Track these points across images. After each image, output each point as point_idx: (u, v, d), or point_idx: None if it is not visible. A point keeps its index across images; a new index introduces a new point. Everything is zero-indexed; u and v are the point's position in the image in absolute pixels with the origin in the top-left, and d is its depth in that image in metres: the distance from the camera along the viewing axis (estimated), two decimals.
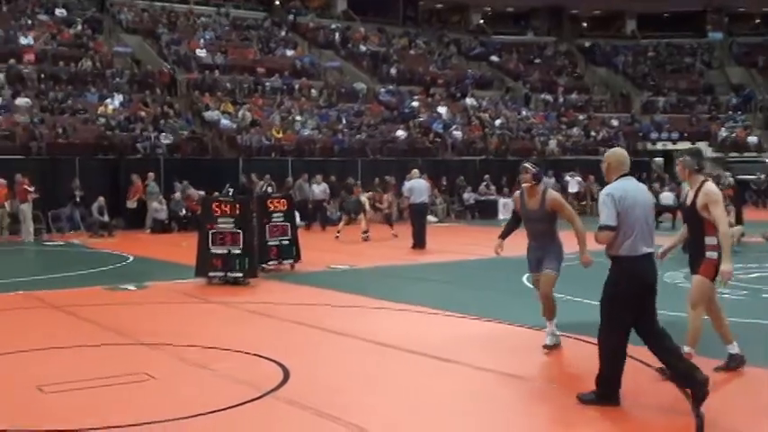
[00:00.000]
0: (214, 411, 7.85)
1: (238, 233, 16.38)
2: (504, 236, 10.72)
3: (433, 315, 12.90)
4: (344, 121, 40.74)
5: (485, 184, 38.54)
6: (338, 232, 26.66)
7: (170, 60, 41.99)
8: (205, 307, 14.38)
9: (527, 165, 10.19)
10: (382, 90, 45.28)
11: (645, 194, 8.11)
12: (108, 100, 36.69)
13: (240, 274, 16.40)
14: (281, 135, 37.44)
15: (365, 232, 26.24)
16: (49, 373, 9.26)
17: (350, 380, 9.08)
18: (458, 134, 42.32)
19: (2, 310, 13.94)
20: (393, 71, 47.89)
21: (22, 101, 34.83)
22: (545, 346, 10.24)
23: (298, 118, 39.51)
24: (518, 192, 10.57)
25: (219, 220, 16.54)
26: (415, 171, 25.23)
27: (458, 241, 25.38)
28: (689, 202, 8.89)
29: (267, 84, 42.50)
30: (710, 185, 8.78)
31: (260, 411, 8.00)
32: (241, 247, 16.33)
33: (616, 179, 7.95)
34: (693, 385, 7.60)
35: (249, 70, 43.40)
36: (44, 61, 38.87)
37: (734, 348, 9.08)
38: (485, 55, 54.93)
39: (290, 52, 46.92)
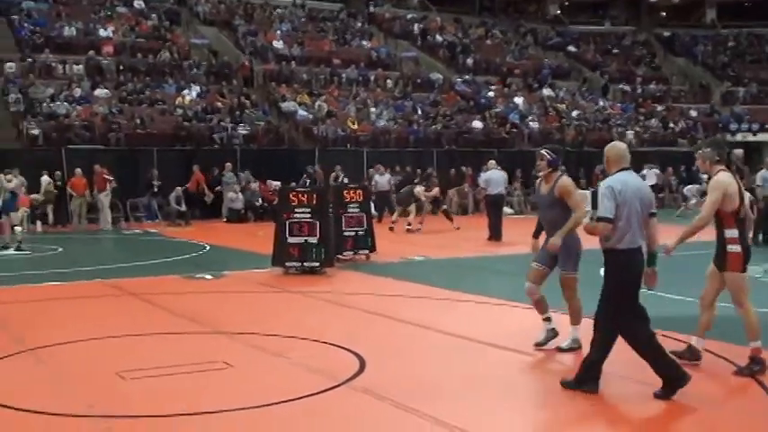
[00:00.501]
0: (291, 400, 7.88)
1: (315, 223, 16.44)
2: (536, 234, 10.10)
3: (509, 307, 12.81)
4: (420, 112, 40.62)
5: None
6: (393, 223, 26.47)
7: (247, 51, 42.23)
8: (282, 296, 14.45)
9: (543, 151, 9.65)
10: (458, 80, 45.06)
11: (645, 188, 8.23)
12: (185, 91, 37.08)
13: (317, 264, 16.46)
14: (356, 126, 37.49)
15: (409, 224, 26.05)
16: (129, 360, 9.36)
17: (425, 371, 9.03)
18: (534, 125, 41.98)
19: (81, 298, 14.14)
20: (469, 61, 47.66)
21: (101, 92, 35.36)
22: (559, 348, 9.63)
23: (373, 109, 39.52)
24: (537, 181, 10.07)
25: (297, 210, 16.61)
26: (492, 162, 24.96)
27: (526, 232, 25.05)
28: None
29: (343, 75, 42.56)
30: (718, 176, 8.64)
31: (337, 401, 7.99)
32: (318, 237, 16.38)
33: (616, 172, 8.04)
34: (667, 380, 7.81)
35: (325, 61, 43.47)
36: (123, 53, 39.38)
37: (700, 343, 9.06)
38: (562, 45, 54.42)
39: (365, 43, 46.96)
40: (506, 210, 33.77)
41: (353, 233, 18.34)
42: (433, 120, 39.95)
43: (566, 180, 9.55)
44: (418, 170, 33.33)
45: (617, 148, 8.23)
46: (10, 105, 33.41)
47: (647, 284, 8.09)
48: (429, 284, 15.09)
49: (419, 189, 27.01)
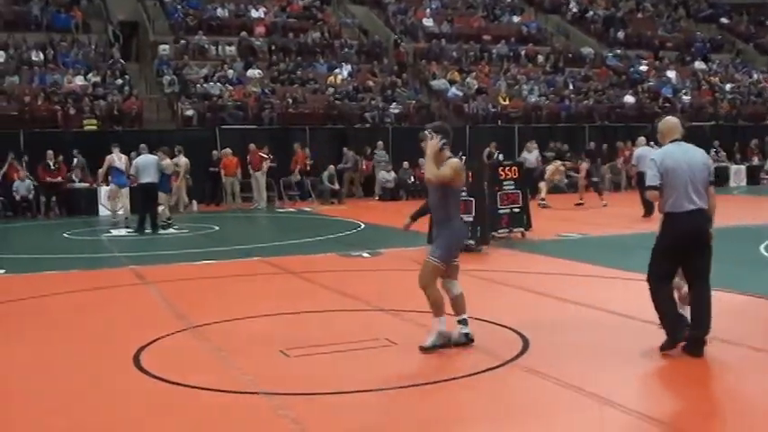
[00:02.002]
0: (456, 378, 7.85)
1: (471, 201, 16.28)
2: (414, 216, 10.37)
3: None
4: (571, 87, 40.00)
5: (714, 150, 36.97)
6: (542, 200, 26.21)
7: (397, 30, 42.24)
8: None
9: (425, 132, 9.05)
10: (609, 54, 44.21)
11: (694, 157, 8.52)
12: (336, 70, 37.34)
13: (472, 242, 16.31)
14: (507, 102, 37.15)
15: (542, 200, 25.87)
16: (292, 337, 9.40)
17: (588, 350, 8.83)
18: (687, 99, 40.90)
19: (241, 276, 14.33)
20: (620, 35, 46.67)
21: (253, 72, 35.89)
22: (421, 348, 8.77)
23: (524, 85, 39.09)
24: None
25: None
26: (642, 138, 24.42)
27: None
28: None
29: (493, 51, 42.17)
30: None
31: (501, 379, 7.91)
32: (473, 214, 16.24)
33: (669, 143, 8.63)
34: (693, 337, 8.37)
35: (475, 38, 43.09)
36: (274, 33, 39.88)
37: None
38: (714, 17, 52.80)
39: (516, 18, 46.39)
40: None
41: (509, 210, 18.13)
42: (584, 95, 39.29)
43: (453, 160, 8.84)
44: (564, 146, 33.01)
45: (668, 122, 8.80)
46: (165, 87, 34.21)
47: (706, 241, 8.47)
48: (586, 262, 14.82)
49: (553, 166, 26.83)
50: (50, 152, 27.76)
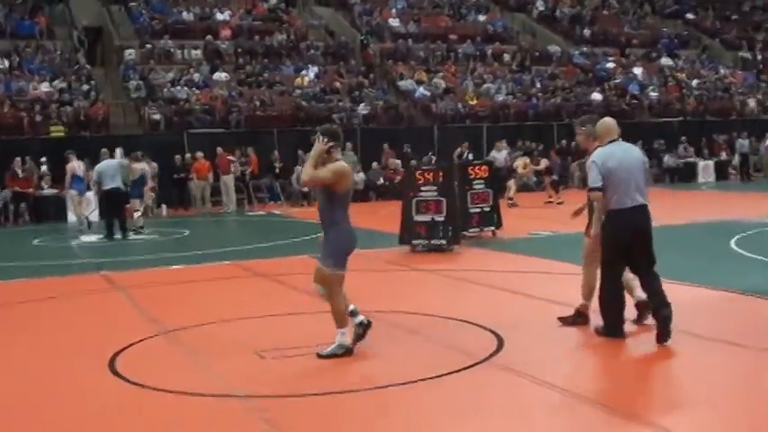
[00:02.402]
0: (431, 378, 7.84)
1: (441, 201, 16.34)
2: None
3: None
4: (538, 85, 40.17)
5: (683, 146, 37.40)
6: (510, 198, 26.25)
7: (363, 31, 42.24)
8: (411, 275, 14.41)
9: (318, 135, 8.75)
10: (576, 52, 44.36)
11: (633, 156, 9.04)
12: (303, 72, 37.31)
13: (444, 242, 16.37)
14: (474, 101, 37.24)
15: (510, 199, 25.97)
16: (266, 339, 9.41)
17: (564, 348, 8.90)
18: (654, 95, 41.18)
19: (213, 280, 14.32)
20: (587, 32, 46.83)
21: (219, 75, 35.83)
22: (318, 355, 8.70)
23: (491, 84, 39.17)
24: None
25: (423, 188, 16.55)
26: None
27: (658, 205, 24.69)
28: None
29: (460, 50, 42.24)
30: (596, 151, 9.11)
31: (477, 378, 7.92)
32: (444, 214, 16.27)
33: (607, 143, 9.02)
34: (659, 318, 8.68)
35: (442, 37, 43.09)
36: (240, 36, 39.78)
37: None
38: (680, 12, 53.08)
39: (482, 17, 46.46)
40: None
41: (479, 210, 18.20)
42: (551, 93, 39.45)
43: (336, 164, 8.68)
44: (532, 144, 33.23)
45: (605, 123, 9.24)
46: (131, 92, 34.08)
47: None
48: (557, 260, 14.84)
49: (519, 162, 27.01)
50: (18, 159, 27.57)
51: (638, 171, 8.91)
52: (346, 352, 8.66)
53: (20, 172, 27.56)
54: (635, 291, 9.36)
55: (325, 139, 8.65)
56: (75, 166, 24.22)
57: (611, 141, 9.02)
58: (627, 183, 8.78)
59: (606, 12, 50.64)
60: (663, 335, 8.58)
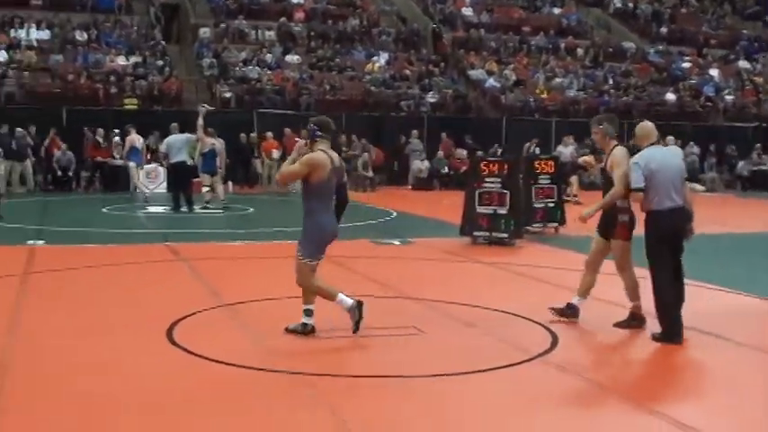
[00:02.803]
0: (482, 371, 7.89)
1: (505, 194, 16.31)
2: None
3: (698, 288, 12.44)
4: (611, 82, 39.79)
5: (757, 152, 36.25)
6: (574, 195, 26.08)
7: (435, 19, 42.21)
8: (470, 266, 14.43)
9: (310, 124, 9.08)
10: (651, 50, 43.88)
11: (673, 159, 9.35)
12: (374, 58, 37.40)
13: (505, 235, 16.35)
14: (545, 95, 37.07)
15: (574, 196, 25.78)
16: (321, 319, 9.47)
17: (618, 349, 8.92)
18: (730, 98, 40.45)
19: (274, 257, 14.41)
20: (663, 30, 46.27)
21: (291, 58, 36.05)
22: (286, 329, 9.07)
23: (562, 78, 38.90)
24: None
25: (487, 179, 16.53)
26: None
27: (728, 212, 24.60)
28: (603, 166, 9.70)
29: (532, 42, 42.01)
30: (618, 150, 9.42)
31: (530, 375, 7.95)
32: (507, 207, 16.26)
33: (646, 147, 9.22)
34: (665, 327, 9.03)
35: (514, 29, 42.94)
36: (313, 19, 39.98)
37: (581, 302, 9.95)
38: (761, 14, 52.15)
39: (556, 10, 46.11)
40: (697, 187, 32.89)
41: (543, 205, 18.15)
42: (624, 90, 39.08)
43: (311, 155, 8.81)
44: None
45: (645, 127, 9.46)
46: (204, 69, 34.43)
47: (684, 238, 9.26)
48: None
49: (587, 159, 26.82)
50: (101, 130, 28.32)
51: (677, 174, 9.19)
52: (309, 330, 8.95)
53: (101, 141, 28.25)
54: (636, 298, 9.68)
55: (316, 129, 8.85)
56: (135, 138, 24.93)
57: (651, 144, 9.27)
58: (667, 185, 9.05)
59: (685, 10, 49.83)
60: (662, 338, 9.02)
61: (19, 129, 26.92)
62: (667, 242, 9.16)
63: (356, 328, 8.86)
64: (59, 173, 28.06)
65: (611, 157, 9.38)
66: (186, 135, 22.37)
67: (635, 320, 9.59)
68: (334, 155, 8.92)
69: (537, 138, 31.29)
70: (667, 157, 9.31)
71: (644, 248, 9.16)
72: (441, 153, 31.78)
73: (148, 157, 27.71)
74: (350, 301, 8.95)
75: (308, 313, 9.03)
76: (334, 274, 13.07)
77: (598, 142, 9.83)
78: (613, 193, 9.28)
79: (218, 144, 23.69)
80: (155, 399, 6.94)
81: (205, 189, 22.66)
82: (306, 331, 8.94)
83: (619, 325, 9.63)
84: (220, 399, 6.99)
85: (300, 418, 6.58)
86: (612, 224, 9.45)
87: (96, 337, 8.88)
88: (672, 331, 8.95)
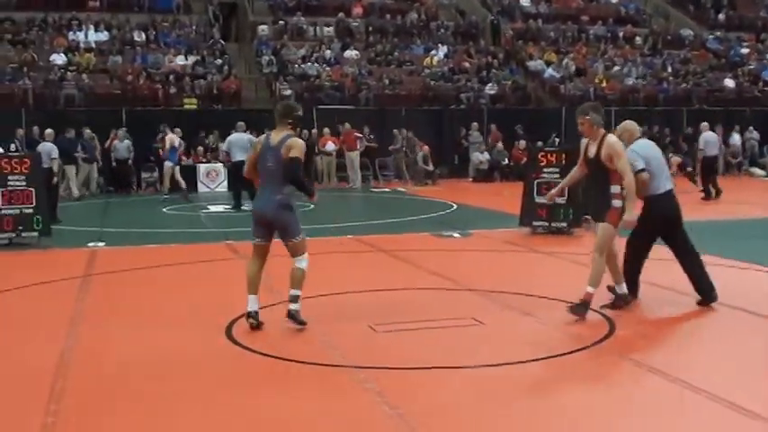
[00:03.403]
0: (540, 359, 7.92)
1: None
2: None
3: (760, 272, 12.35)
4: (670, 69, 39.46)
5: None
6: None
7: (494, 11, 42.12)
8: (530, 256, 14.43)
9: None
10: (710, 37, 43.42)
11: (656, 149, 10.31)
12: (433, 52, 37.43)
13: (564, 225, 16.34)
14: (604, 84, 36.82)
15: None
16: (381, 313, 9.58)
17: (675, 335, 8.89)
18: None
19: (333, 253, 14.53)
20: (721, 17, 45.81)
21: (350, 53, 36.18)
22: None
23: (621, 67, 38.64)
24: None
25: (545, 169, 16.53)
26: (705, 124, 25.27)
27: None
28: (591, 154, 9.50)
29: (591, 32, 41.80)
30: (611, 138, 9.44)
31: (586, 362, 7.96)
32: (566, 197, 16.20)
33: (636, 140, 10.13)
34: (705, 295, 9.97)
35: (573, 18, 42.78)
36: (372, 14, 40.09)
37: (621, 289, 9.96)
38: None
39: None
40: (758, 171, 32.57)
41: None
42: (683, 78, 38.72)
43: (296, 140, 9.10)
44: (657, 133, 32.74)
45: (630, 126, 10.38)
46: (263, 67, 34.68)
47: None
48: None
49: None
50: (178, 129, 28.43)
51: (664, 161, 10.29)
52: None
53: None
54: (621, 282, 9.95)
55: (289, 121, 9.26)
56: (174, 137, 25.20)
57: (636, 139, 10.19)
58: (663, 169, 10.09)
59: None
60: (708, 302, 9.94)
61: (87, 130, 27.24)
62: (671, 223, 10.07)
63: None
64: (114, 162, 28.17)
65: (609, 148, 9.28)
66: (248, 135, 22.58)
67: (620, 301, 9.92)
68: (277, 136, 9.11)
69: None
70: (652, 146, 10.27)
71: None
72: (500, 145, 31.71)
73: (208, 155, 28.05)
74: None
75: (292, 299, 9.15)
76: (395, 267, 13.25)
77: (585, 132, 9.62)
78: (630, 184, 9.23)
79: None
80: (213, 395, 7.04)
81: None
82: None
83: (608, 306, 9.85)
84: (277, 393, 7.09)
85: (359, 410, 6.65)
86: (607, 206, 9.34)
87: (155, 336, 9.00)
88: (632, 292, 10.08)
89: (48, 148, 19.61)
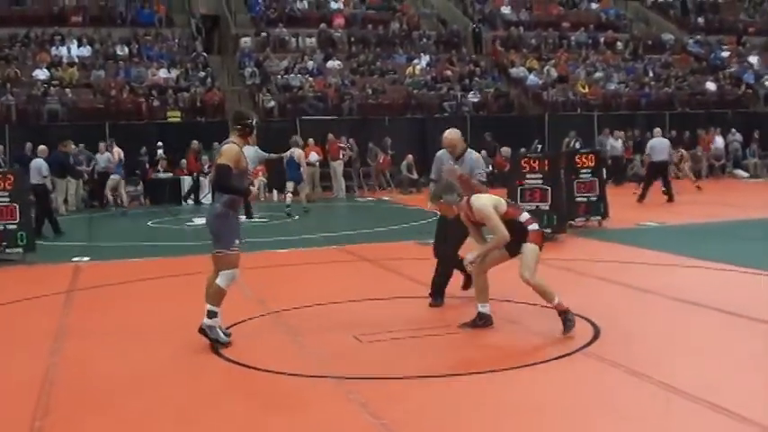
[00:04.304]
0: (525, 366, 7.94)
1: (547, 189, 16.35)
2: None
3: (742, 274, 12.40)
4: (651, 74, 39.66)
5: None
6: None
7: (475, 19, 42.25)
8: (514, 263, 14.38)
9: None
10: (690, 40, 43.64)
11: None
12: (415, 61, 37.52)
13: (548, 230, 16.33)
14: (586, 90, 36.95)
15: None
16: (365, 323, 9.59)
17: (660, 338, 8.89)
18: None
19: (319, 263, 14.59)
20: (701, 20, 46.06)
21: (333, 64, 36.24)
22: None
23: (602, 73, 38.79)
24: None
25: (528, 176, 16.58)
26: (657, 130, 25.70)
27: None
28: (473, 219, 9.23)
29: (572, 38, 41.99)
30: (476, 203, 9.05)
31: (571, 368, 7.98)
32: (549, 203, 16.28)
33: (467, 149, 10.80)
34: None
35: (554, 25, 43.00)
36: (353, 25, 40.19)
37: (485, 308, 9.44)
38: None
39: (594, 5, 46.03)
40: (741, 173, 32.79)
41: (585, 199, 18.15)
42: (664, 82, 38.92)
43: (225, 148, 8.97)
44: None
45: (457, 135, 10.99)
46: (246, 79, 34.74)
47: None
48: (663, 251, 14.76)
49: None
50: (195, 142, 29.00)
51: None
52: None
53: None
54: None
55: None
56: (119, 150, 25.73)
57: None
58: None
59: None
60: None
61: (74, 145, 27.07)
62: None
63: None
64: (96, 174, 27.60)
65: (477, 213, 9.03)
66: (255, 148, 22.84)
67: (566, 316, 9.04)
68: (223, 145, 9.05)
69: (577, 132, 31.21)
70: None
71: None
72: (484, 152, 31.71)
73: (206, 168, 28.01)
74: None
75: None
76: (380, 277, 13.28)
77: (447, 214, 9.53)
78: (498, 241, 9.04)
79: (298, 150, 24.40)
80: (198, 409, 7.06)
81: (289, 196, 23.32)
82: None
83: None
84: (261, 405, 7.13)
85: (341, 421, 6.67)
86: (525, 233, 9.08)
87: (140, 351, 8.99)
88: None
89: (38, 164, 19.65)
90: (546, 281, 9.13)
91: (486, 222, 8.95)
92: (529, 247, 9.04)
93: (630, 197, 24.23)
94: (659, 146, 24.15)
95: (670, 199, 23.60)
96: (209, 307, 8.87)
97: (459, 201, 9.21)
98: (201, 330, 8.80)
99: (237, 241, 8.99)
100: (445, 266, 10.70)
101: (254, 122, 9.22)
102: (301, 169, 23.91)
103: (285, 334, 9.47)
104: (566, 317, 8.91)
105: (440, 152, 11.01)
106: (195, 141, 28.73)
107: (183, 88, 32.92)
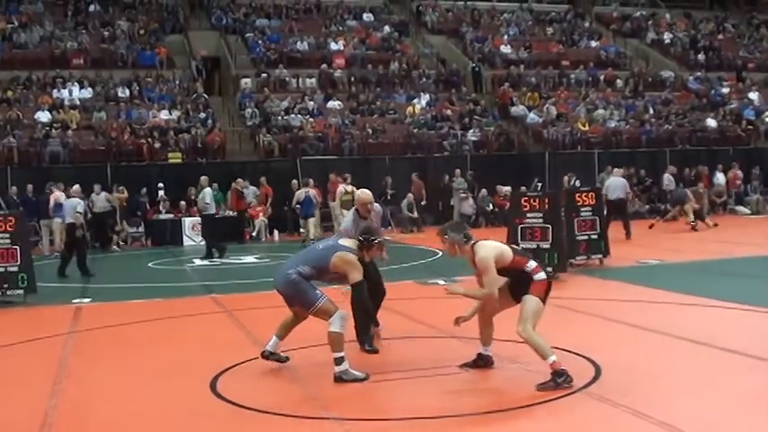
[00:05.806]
0: (527, 406, 7.92)
1: (547, 228, 16.33)
2: None
3: (745, 312, 12.38)
4: (652, 111, 39.71)
5: None
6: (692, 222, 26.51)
7: (475, 58, 42.44)
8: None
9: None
10: (690, 77, 43.80)
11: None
12: (415, 100, 37.67)
13: (549, 270, 16.29)
14: (586, 128, 37.03)
15: (693, 221, 26.24)
16: (365, 363, 9.57)
17: (662, 378, 8.84)
18: None
19: None
20: (701, 57, 46.24)
21: (333, 104, 36.38)
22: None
23: (603, 110, 38.87)
24: None
25: (528, 215, 16.56)
26: (618, 170, 25.82)
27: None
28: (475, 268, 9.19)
29: (572, 76, 42.14)
30: (480, 251, 9.01)
31: (572, 407, 7.94)
32: (550, 242, 16.26)
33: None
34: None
35: (553, 63, 43.19)
36: (354, 65, 40.37)
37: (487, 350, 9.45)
38: None
39: (594, 43, 46.26)
40: (743, 209, 32.76)
41: (586, 237, 18.12)
42: (665, 119, 39.00)
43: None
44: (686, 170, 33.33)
45: (367, 195, 11.40)
46: (247, 119, 34.89)
47: None
48: (663, 289, 14.73)
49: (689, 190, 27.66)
50: (240, 180, 28.85)
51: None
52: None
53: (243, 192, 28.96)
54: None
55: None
56: (59, 195, 24.92)
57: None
58: None
59: (721, 36, 49.83)
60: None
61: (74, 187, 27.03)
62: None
63: None
64: (90, 214, 26.09)
65: (479, 264, 9.06)
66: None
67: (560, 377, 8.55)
68: None
69: (576, 170, 31.15)
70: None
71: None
72: (484, 191, 31.78)
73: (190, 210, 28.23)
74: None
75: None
76: (380, 317, 13.18)
77: (450, 252, 9.53)
78: (487, 295, 9.11)
79: (311, 191, 26.25)
80: None
81: (303, 230, 25.35)
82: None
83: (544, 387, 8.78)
84: None
85: None
86: (528, 283, 9.00)
87: (139, 392, 9.00)
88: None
89: (74, 203, 19.75)
90: (543, 339, 8.75)
91: (483, 274, 8.93)
92: (529, 300, 8.88)
93: (639, 235, 24.25)
94: (614, 184, 24.18)
95: (628, 236, 23.64)
96: (335, 355, 9.04)
97: (465, 242, 9.17)
98: (338, 379, 8.92)
99: (318, 291, 9.46)
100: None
101: (376, 241, 9.77)
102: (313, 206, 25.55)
103: (283, 375, 9.46)
104: (555, 379, 8.42)
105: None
106: (240, 179, 28.55)
107: (184, 129, 33.01)
